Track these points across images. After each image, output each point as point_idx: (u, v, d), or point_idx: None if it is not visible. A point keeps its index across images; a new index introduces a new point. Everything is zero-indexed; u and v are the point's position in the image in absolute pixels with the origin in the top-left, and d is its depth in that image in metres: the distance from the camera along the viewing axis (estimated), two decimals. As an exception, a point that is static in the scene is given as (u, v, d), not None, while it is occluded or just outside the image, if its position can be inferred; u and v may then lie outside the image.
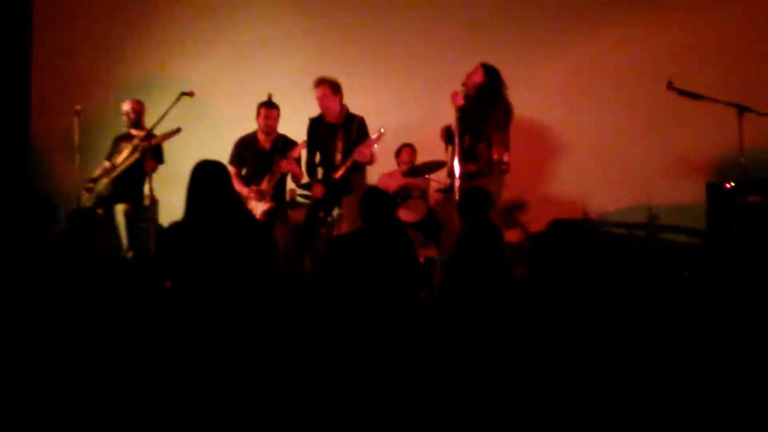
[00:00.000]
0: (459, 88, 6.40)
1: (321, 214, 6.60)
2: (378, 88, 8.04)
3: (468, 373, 3.21)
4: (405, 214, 7.19)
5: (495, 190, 6.09)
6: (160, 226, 7.02)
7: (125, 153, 6.97)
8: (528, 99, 7.83)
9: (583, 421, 2.86)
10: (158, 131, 6.72)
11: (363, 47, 8.35)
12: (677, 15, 7.78)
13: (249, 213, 5.87)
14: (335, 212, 6.65)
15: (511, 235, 6.92)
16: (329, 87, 6.59)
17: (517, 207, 7.45)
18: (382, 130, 6.39)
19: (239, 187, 6.54)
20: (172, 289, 4.15)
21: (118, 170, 6.92)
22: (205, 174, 4.23)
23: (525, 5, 8.16)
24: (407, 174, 7.52)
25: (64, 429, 3.26)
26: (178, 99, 6.65)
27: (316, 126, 6.73)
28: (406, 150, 7.69)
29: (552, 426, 2.89)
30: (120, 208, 6.87)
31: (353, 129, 6.55)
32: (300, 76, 7.88)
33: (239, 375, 3.56)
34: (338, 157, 6.54)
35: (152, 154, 6.73)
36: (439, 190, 7.46)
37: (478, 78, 6.38)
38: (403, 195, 7.34)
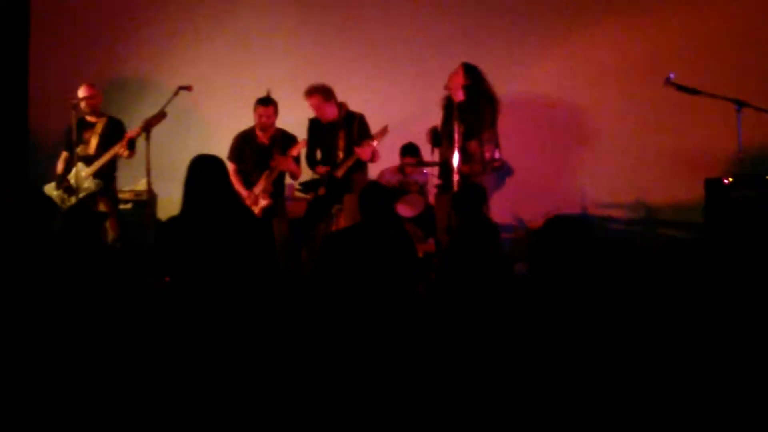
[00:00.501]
0: (443, 91, 6.44)
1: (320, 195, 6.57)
2: (378, 83, 8.02)
3: (466, 369, 3.20)
4: (404, 209, 7.19)
5: (490, 187, 6.11)
6: (158, 221, 7.01)
7: (93, 142, 6.85)
8: (525, 95, 7.85)
9: (582, 418, 2.86)
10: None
11: (362, 42, 8.33)
12: (675, 10, 7.77)
13: (245, 207, 5.86)
14: (334, 208, 6.64)
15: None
16: (321, 95, 6.60)
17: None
18: (386, 128, 6.39)
19: (238, 186, 6.53)
20: (170, 284, 4.15)
21: (102, 161, 6.76)
22: (202, 168, 4.23)
23: (524, 1, 8.14)
24: (402, 169, 7.49)
25: (65, 427, 3.26)
26: (176, 93, 6.65)
27: (316, 125, 6.73)
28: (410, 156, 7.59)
29: (551, 423, 2.89)
30: (106, 203, 6.78)
31: (354, 127, 6.55)
32: (299, 70, 7.89)
33: (236, 370, 3.55)
34: (340, 155, 6.54)
35: (128, 144, 6.68)
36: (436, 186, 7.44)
37: (460, 79, 6.39)
38: (401, 190, 7.33)
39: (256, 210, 6.54)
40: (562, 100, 7.96)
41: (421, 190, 7.41)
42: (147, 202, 7.20)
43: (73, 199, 6.61)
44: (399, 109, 6.58)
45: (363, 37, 8.36)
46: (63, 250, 4.20)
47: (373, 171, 7.08)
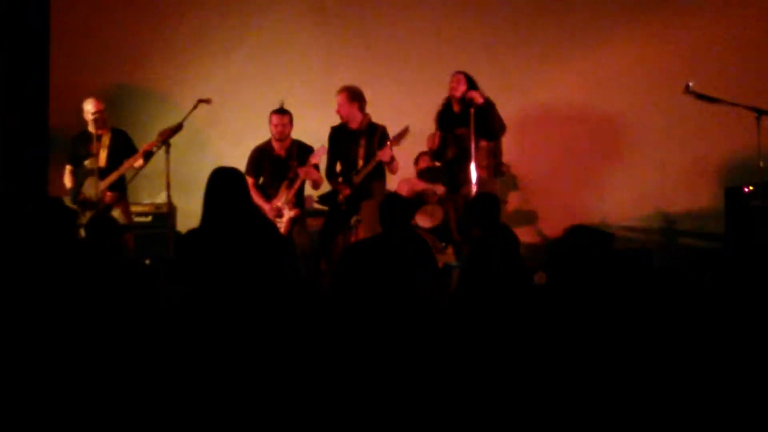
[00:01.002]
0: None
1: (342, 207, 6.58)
2: (395, 92, 8.03)
3: (485, 378, 3.20)
4: (422, 220, 7.19)
5: (500, 194, 6.16)
6: (178, 234, 7.04)
7: (103, 154, 6.83)
8: (544, 103, 7.85)
9: (604, 424, 2.86)
10: (172, 138, 6.65)
11: (377, 54, 8.34)
12: (694, 18, 7.76)
13: (266, 219, 5.87)
14: (353, 219, 6.63)
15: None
16: (347, 94, 6.60)
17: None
18: (407, 129, 6.39)
19: (257, 199, 6.55)
20: (190, 295, 4.17)
21: (119, 173, 6.76)
22: (221, 180, 4.24)
23: (541, 9, 8.14)
24: (422, 175, 7.50)
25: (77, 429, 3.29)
26: (195, 106, 6.68)
27: (337, 134, 6.74)
28: (423, 158, 7.65)
29: (572, 429, 2.89)
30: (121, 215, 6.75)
31: (375, 137, 6.55)
32: (316, 81, 7.92)
33: (257, 380, 3.57)
34: (360, 163, 6.55)
35: (144, 155, 6.68)
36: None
37: (464, 87, 6.43)
38: (419, 201, 7.33)
39: (284, 221, 6.55)
40: (582, 110, 7.95)
41: (441, 200, 7.41)
42: (167, 214, 7.22)
43: (89, 213, 6.62)
44: (415, 120, 6.57)
45: (378, 50, 8.38)
46: (86, 262, 4.23)
47: (391, 183, 7.08)
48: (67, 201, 6.73)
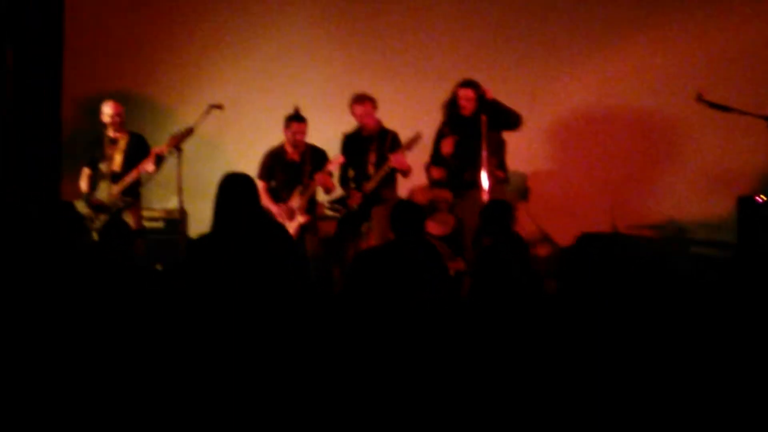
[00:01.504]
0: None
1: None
2: (406, 102, 8.03)
3: (495, 385, 3.20)
4: (433, 227, 7.19)
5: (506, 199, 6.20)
6: (189, 239, 7.05)
7: (118, 158, 6.82)
8: (554, 111, 7.83)
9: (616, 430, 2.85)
10: (183, 144, 6.66)
11: (390, 61, 8.35)
12: (707, 27, 7.74)
13: (278, 225, 5.88)
14: (364, 226, 6.64)
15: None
16: (371, 104, 6.66)
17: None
18: (418, 135, 6.40)
19: (269, 203, 6.56)
20: (200, 301, 4.17)
21: (132, 178, 6.74)
22: (232, 186, 4.25)
23: (553, 16, 8.13)
24: (434, 185, 7.50)
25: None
26: (207, 112, 6.70)
27: (351, 141, 6.75)
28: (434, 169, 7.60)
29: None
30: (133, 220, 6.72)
31: (387, 143, 6.57)
32: (328, 87, 7.93)
33: (265, 385, 3.57)
34: (371, 169, 6.56)
35: (155, 160, 6.66)
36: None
37: (472, 94, 6.44)
38: (431, 208, 7.32)
39: (293, 226, 6.56)
40: (593, 117, 7.94)
41: (452, 208, 7.40)
42: (178, 220, 7.23)
43: (102, 217, 6.64)
44: (427, 128, 6.59)
45: (391, 57, 8.38)
46: (98, 266, 4.24)
47: (401, 191, 7.08)
48: (81, 204, 6.74)
